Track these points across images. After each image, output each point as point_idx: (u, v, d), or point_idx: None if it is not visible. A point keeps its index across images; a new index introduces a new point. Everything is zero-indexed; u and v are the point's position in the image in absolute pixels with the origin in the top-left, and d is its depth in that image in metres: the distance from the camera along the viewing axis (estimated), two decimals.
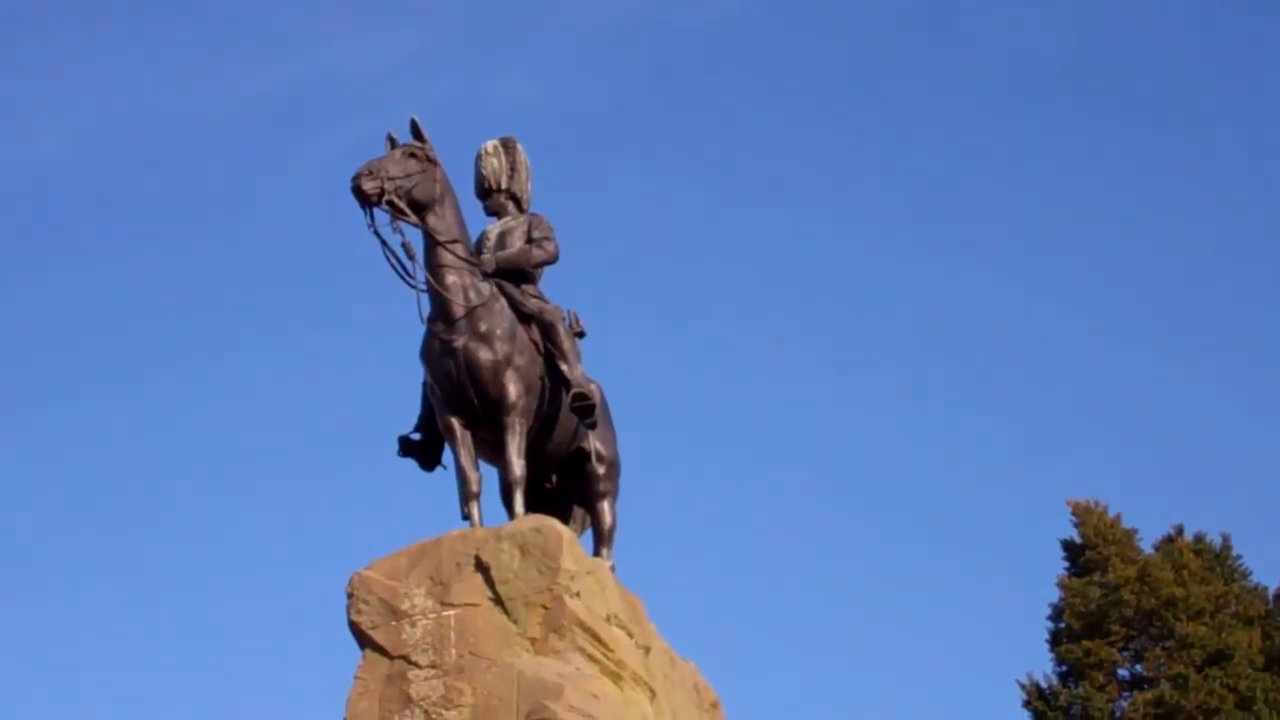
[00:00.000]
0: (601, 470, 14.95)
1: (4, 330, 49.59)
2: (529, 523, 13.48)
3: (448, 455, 14.37)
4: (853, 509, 49.50)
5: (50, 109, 51.97)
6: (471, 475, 13.96)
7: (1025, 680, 29.84)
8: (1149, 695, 28.52)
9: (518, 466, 13.96)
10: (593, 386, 14.64)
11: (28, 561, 46.34)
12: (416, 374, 14.53)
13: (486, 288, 14.25)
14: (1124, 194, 53.03)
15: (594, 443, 14.91)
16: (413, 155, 14.20)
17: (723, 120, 52.63)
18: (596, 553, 14.78)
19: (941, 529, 48.64)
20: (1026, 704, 29.67)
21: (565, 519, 14.62)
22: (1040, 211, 52.71)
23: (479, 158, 15.25)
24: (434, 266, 14.11)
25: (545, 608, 13.02)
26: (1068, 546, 31.12)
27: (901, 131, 52.85)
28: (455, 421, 14.05)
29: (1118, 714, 28.68)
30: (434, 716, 12.76)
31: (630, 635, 13.89)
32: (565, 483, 15.10)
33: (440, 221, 14.20)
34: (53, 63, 51.23)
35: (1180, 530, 31.20)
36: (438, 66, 52.50)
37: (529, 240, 14.93)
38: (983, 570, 48.03)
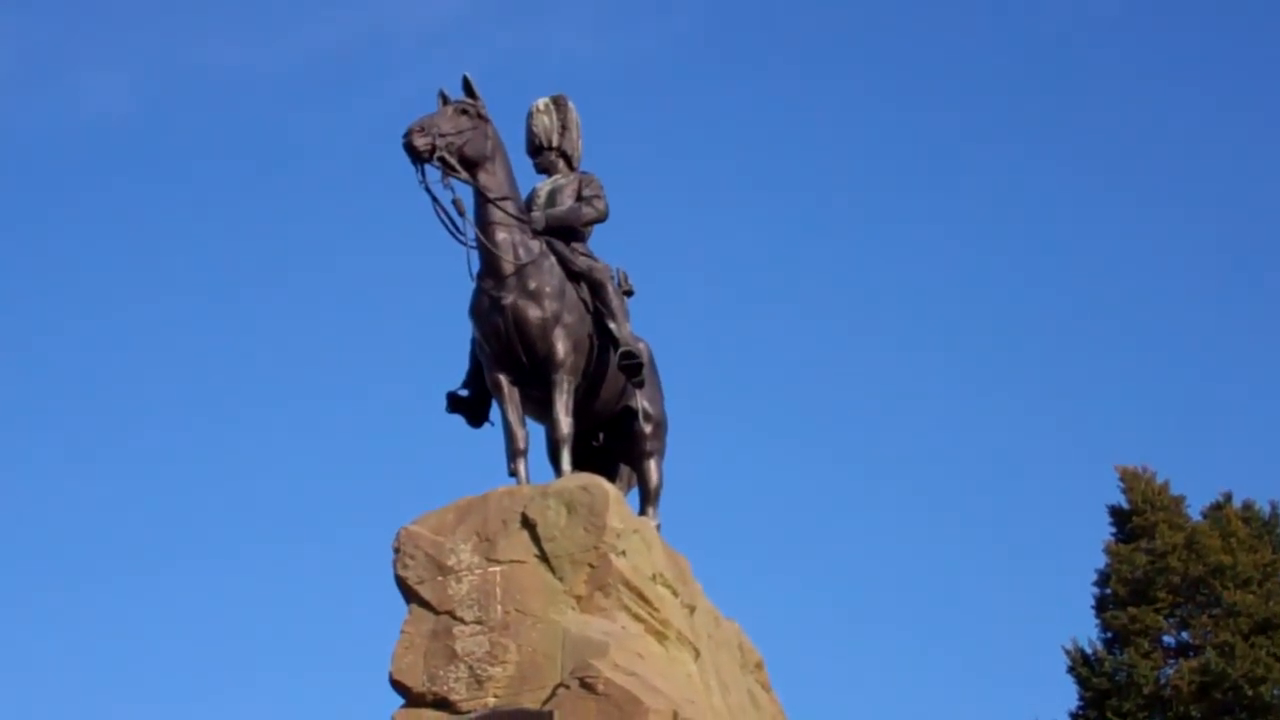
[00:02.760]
0: (648, 429, 14.94)
1: (65, 278, 49.78)
2: (576, 480, 13.50)
3: (495, 412, 14.38)
4: (899, 473, 49.45)
5: (109, 61, 52.18)
6: (519, 432, 13.98)
7: (1070, 646, 29.63)
8: (1195, 663, 28.34)
9: (565, 424, 13.98)
10: (641, 345, 14.68)
11: (72, 510, 46.56)
12: (465, 330, 14.56)
13: (536, 245, 14.25)
14: (1175, 160, 52.63)
15: (641, 401, 14.90)
16: (464, 112, 14.21)
17: (775, 77, 52.31)
18: (643, 511, 14.78)
19: (988, 494, 48.55)
20: (1071, 670, 29.51)
21: (612, 477, 14.61)
22: (1089, 179, 52.36)
23: (530, 115, 15.26)
24: (484, 223, 14.12)
25: (591, 566, 13.02)
26: (1115, 512, 30.87)
27: (958, 99, 52.42)
28: (503, 378, 14.08)
29: (1163, 681, 28.50)
30: (479, 672, 12.78)
31: (675, 594, 13.87)
32: (612, 441, 15.11)
33: (491, 178, 14.22)
34: (112, 14, 51.35)
35: (1229, 497, 30.95)
36: (492, 23, 52.40)
37: (579, 198, 14.92)
38: (1029, 536, 47.95)
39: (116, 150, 52.03)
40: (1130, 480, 30.87)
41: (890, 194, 52.13)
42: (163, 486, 47.52)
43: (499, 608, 12.97)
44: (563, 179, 15.10)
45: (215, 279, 49.80)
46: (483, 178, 14.18)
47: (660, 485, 15.02)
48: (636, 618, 13.13)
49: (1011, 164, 52.65)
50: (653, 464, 14.99)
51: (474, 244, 14.10)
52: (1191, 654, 29.02)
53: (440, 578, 13.22)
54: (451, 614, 13.09)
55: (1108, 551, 30.22)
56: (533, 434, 14.13)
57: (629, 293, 15.05)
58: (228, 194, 50.89)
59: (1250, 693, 27.62)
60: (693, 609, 14.14)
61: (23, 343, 49.19)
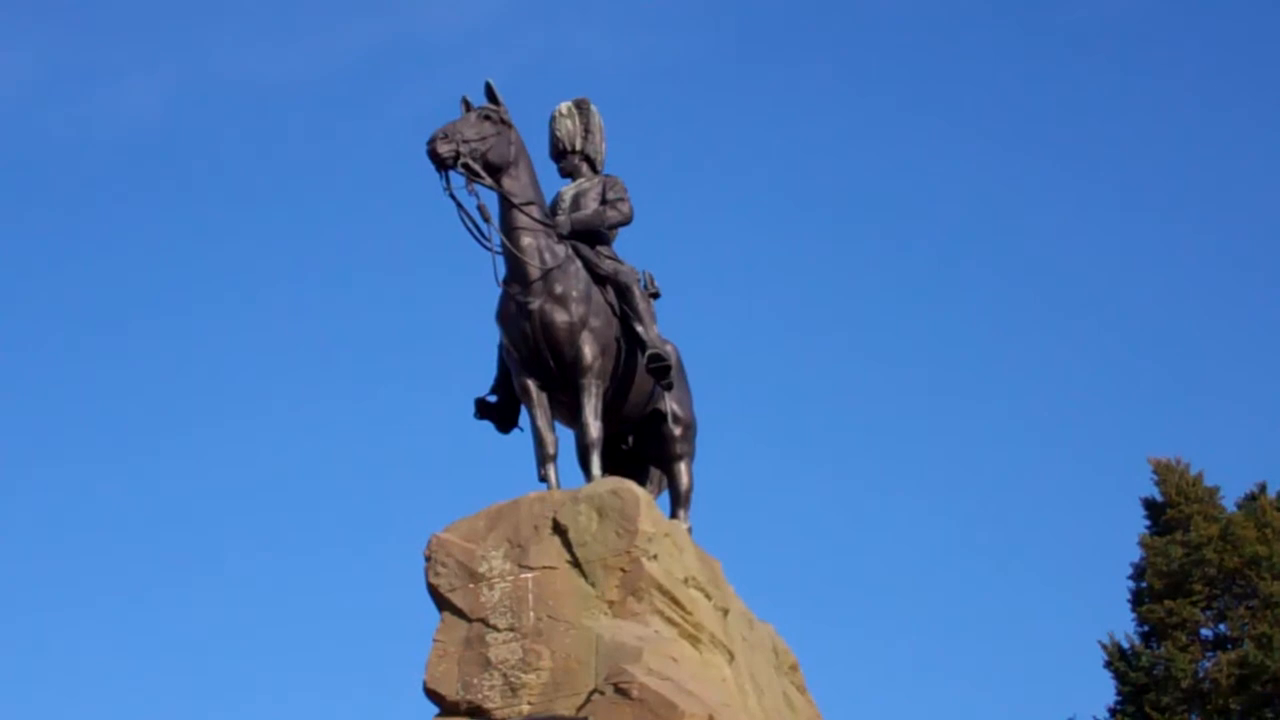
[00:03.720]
0: (678, 431, 14.91)
1: (96, 284, 49.94)
2: (606, 485, 13.46)
3: (524, 417, 14.36)
4: (932, 470, 49.25)
5: (140, 69, 52.32)
6: (548, 437, 13.97)
7: (1107, 641, 29.52)
8: (1232, 655, 28.19)
9: (594, 428, 13.96)
10: (668, 347, 14.65)
11: (99, 518, 46.73)
12: (493, 335, 14.54)
13: (562, 249, 14.25)
14: (1209, 153, 52.37)
15: (670, 404, 14.87)
16: (487, 118, 14.24)
17: (802, 81, 52.15)
18: (673, 514, 14.75)
19: (1021, 490, 48.33)
20: (1108, 664, 29.39)
21: (642, 481, 14.59)
22: (1122, 171, 52.13)
23: (553, 120, 15.23)
24: (509, 229, 14.14)
25: (623, 570, 12.99)
26: (1149, 505, 30.72)
27: (989, 106, 52.18)
28: (531, 383, 14.07)
29: (1200, 674, 28.36)
30: (512, 679, 12.74)
31: (708, 597, 13.81)
32: (642, 444, 15.08)
33: (515, 184, 14.23)
34: (142, 23, 51.53)
35: (1263, 488, 30.73)
36: (518, 29, 52.32)
37: (603, 202, 14.89)
38: (1063, 530, 47.67)
39: (147, 158, 52.22)
40: (1164, 472, 30.70)
41: (919, 195, 52.01)
42: (189, 493, 47.58)
43: (531, 614, 12.96)
44: (586, 183, 15.08)
45: (244, 285, 49.97)
46: (507, 183, 14.20)
47: (691, 488, 14.98)
48: (670, 621, 13.09)
49: (1043, 158, 52.45)
50: (683, 466, 14.96)
51: (499, 249, 14.11)
52: (1229, 646, 28.87)
53: (472, 585, 13.20)
54: (484, 621, 13.06)
55: (1143, 545, 30.05)
56: (562, 439, 14.12)
57: (655, 295, 15.03)
58: (257, 201, 50.95)
59: None
60: (726, 612, 14.08)
61: (55, 348, 49.27)
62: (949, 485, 48.55)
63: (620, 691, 12.19)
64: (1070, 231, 51.52)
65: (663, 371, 14.39)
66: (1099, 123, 52.40)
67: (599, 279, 14.45)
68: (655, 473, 15.12)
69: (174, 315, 49.49)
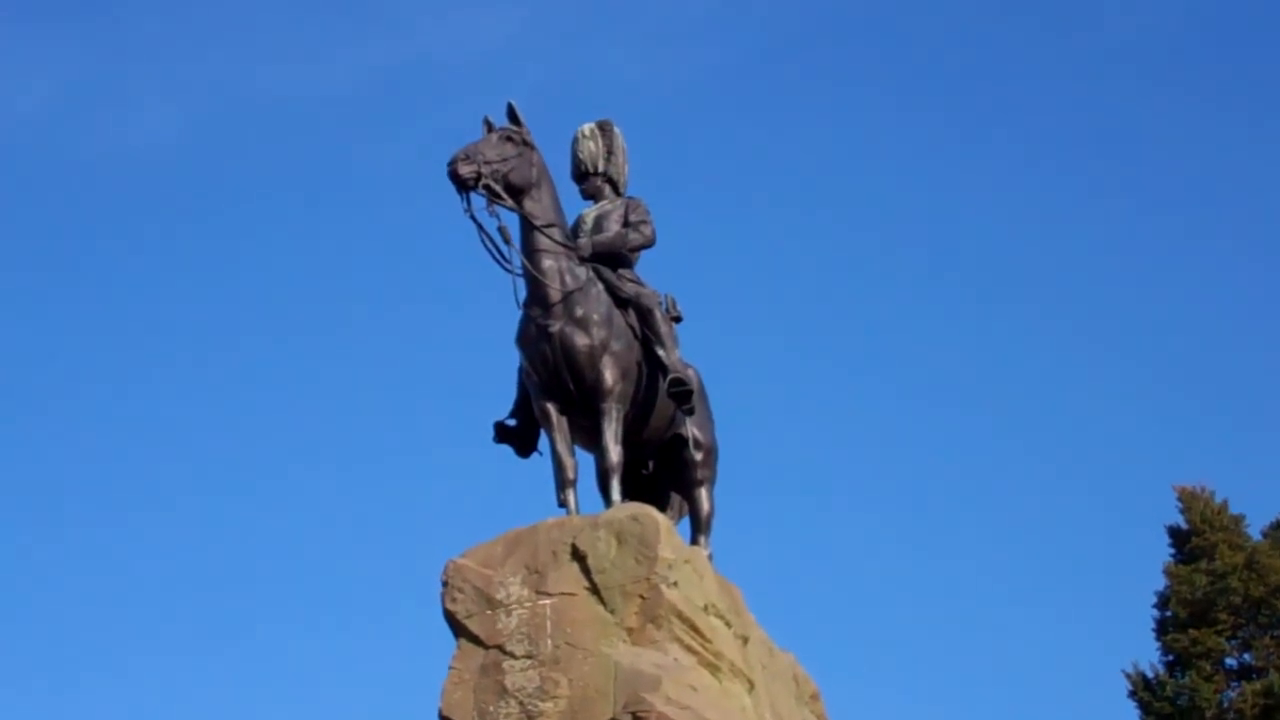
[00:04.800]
0: (699, 457, 14.84)
1: (119, 308, 49.96)
2: (626, 510, 13.40)
3: (544, 442, 14.33)
4: (953, 496, 48.93)
5: (160, 89, 52.37)
6: (568, 462, 13.92)
7: (1131, 670, 29.48)
8: (1258, 685, 28.13)
9: (615, 453, 13.90)
10: (690, 372, 14.56)
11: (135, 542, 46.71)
12: (513, 359, 14.49)
13: (583, 272, 14.21)
14: (1238, 176, 52.13)
15: (691, 429, 14.80)
16: (509, 139, 14.22)
17: (829, 102, 51.90)
18: (694, 541, 14.66)
19: (1045, 515, 47.99)
20: (1132, 694, 29.30)
21: (662, 506, 14.53)
22: (1145, 196, 51.90)
23: (575, 141, 15.20)
24: (530, 251, 14.10)
25: (643, 597, 12.94)
26: (1174, 533, 30.70)
27: (1022, 117, 51.95)
28: (551, 407, 14.02)
29: (1226, 705, 28.29)
30: (530, 708, 12.68)
31: (728, 625, 13.75)
32: (662, 469, 15.01)
33: (536, 205, 14.20)
34: (162, 43, 51.62)
35: None
36: (540, 49, 52.25)
37: (625, 224, 14.86)
38: (1087, 558, 47.29)
39: (167, 179, 52.19)
40: (1189, 500, 30.64)
41: (952, 222, 51.62)
42: (197, 521, 47.45)
43: (549, 641, 12.89)
44: (609, 204, 15.04)
45: (263, 308, 49.87)
46: (528, 205, 14.17)
47: (712, 514, 14.91)
48: (689, 650, 13.01)
49: (1073, 177, 52.11)
50: (704, 492, 14.89)
51: (520, 272, 14.09)
52: (1254, 676, 28.78)
53: (489, 611, 13.16)
54: (501, 648, 12.99)
55: (1167, 573, 30.01)
56: (582, 463, 14.07)
57: (677, 319, 14.97)
58: (277, 222, 51.00)
59: None
60: (746, 640, 14.00)
61: (76, 371, 49.30)
62: (970, 512, 48.23)
63: None
64: (1093, 255, 51.36)
65: (684, 396, 14.32)
66: (1133, 142, 52.10)
67: (620, 302, 14.41)
68: (676, 498, 15.04)
69: (189, 338, 49.47)
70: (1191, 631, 28.91)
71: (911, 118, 51.63)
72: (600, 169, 15.09)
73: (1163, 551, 30.77)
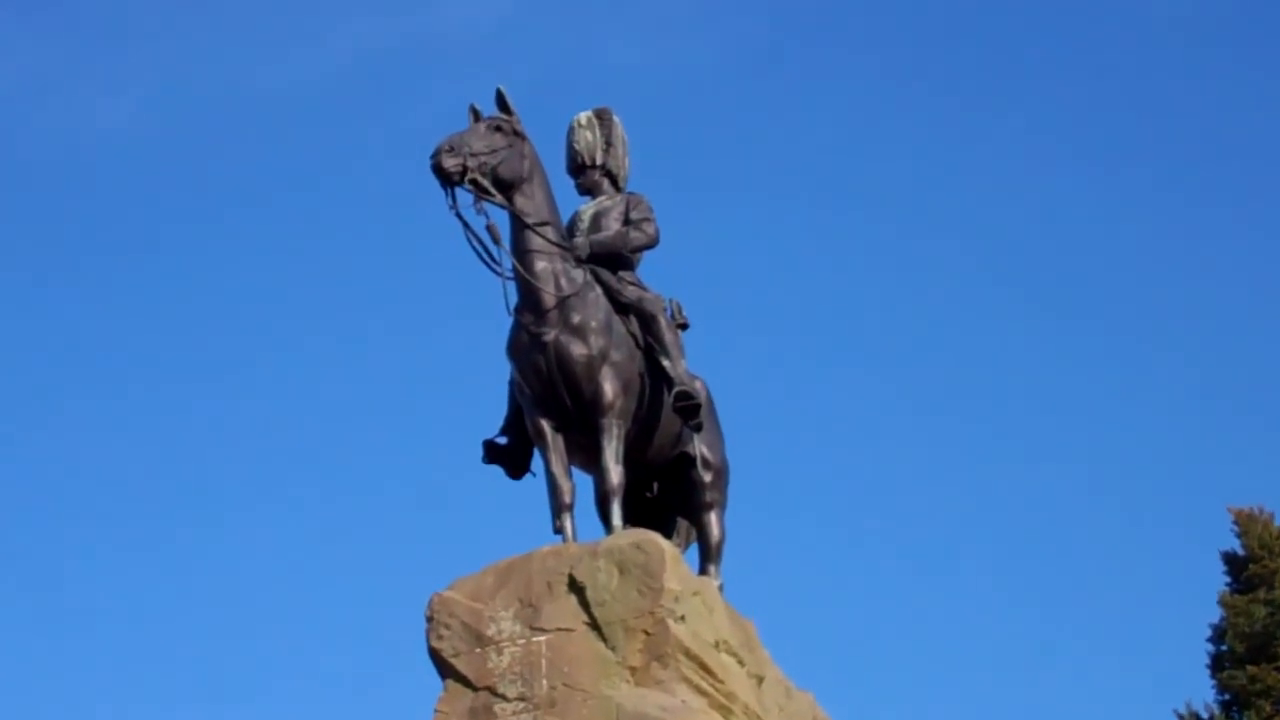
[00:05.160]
0: (708, 478, 14.36)
1: (76, 313, 49.07)
2: (628, 537, 13.05)
3: (537, 462, 13.89)
4: (989, 519, 47.74)
5: (118, 77, 51.37)
6: (564, 484, 13.52)
7: (1184, 710, 29.02)
8: None
9: (615, 474, 13.50)
10: (697, 384, 14.16)
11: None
12: (503, 371, 14.08)
13: (580, 275, 13.81)
14: None
15: (699, 447, 14.32)
16: (498, 129, 13.84)
17: (840, 90, 50.66)
18: (703, 570, 14.23)
19: (1090, 541, 46.67)
20: None
21: (668, 533, 14.14)
22: (1207, 185, 50.73)
23: (571, 131, 14.72)
24: (521, 252, 13.70)
25: (647, 633, 12.64)
26: (1229, 559, 30.12)
27: (1040, 116, 51.06)
28: (546, 424, 13.61)
29: None
30: None
31: (741, 663, 13.42)
32: (668, 492, 14.58)
33: (528, 202, 13.80)
34: (120, 27, 50.69)
35: None
36: (533, 32, 51.08)
37: (626, 222, 14.41)
38: (1136, 587, 45.98)
39: (126, 172, 50.95)
40: (1245, 523, 30.03)
41: (988, 219, 50.31)
42: (166, 551, 46.51)
43: (545, 682, 12.62)
44: (608, 201, 14.59)
45: (230, 307, 48.59)
46: (519, 201, 13.76)
47: (722, 540, 14.44)
48: (698, 690, 12.67)
49: (1115, 178, 51.11)
50: (713, 517, 14.41)
51: (511, 275, 13.72)
52: None
53: (479, 649, 12.85)
54: (492, 690, 12.72)
55: (1223, 603, 29.50)
56: (580, 485, 13.68)
57: (683, 326, 14.57)
58: (244, 218, 49.79)
59: None
60: (761, 679, 13.65)
61: (15, 379, 48.21)
62: (1008, 539, 46.96)
63: None
64: (1141, 273, 50.18)
65: (691, 411, 13.85)
66: (1185, 133, 50.85)
67: (621, 308, 13.98)
68: (683, 524, 14.60)
69: (152, 339, 48.47)
70: (1249, 668, 28.37)
71: (946, 102, 50.20)
72: (598, 161, 14.62)
73: (1217, 579, 30.31)
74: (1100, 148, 49.38)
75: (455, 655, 12.78)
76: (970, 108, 49.60)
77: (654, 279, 14.48)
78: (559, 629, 12.62)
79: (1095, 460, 47.09)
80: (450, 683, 12.78)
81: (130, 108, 49.59)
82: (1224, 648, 29.10)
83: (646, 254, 14.52)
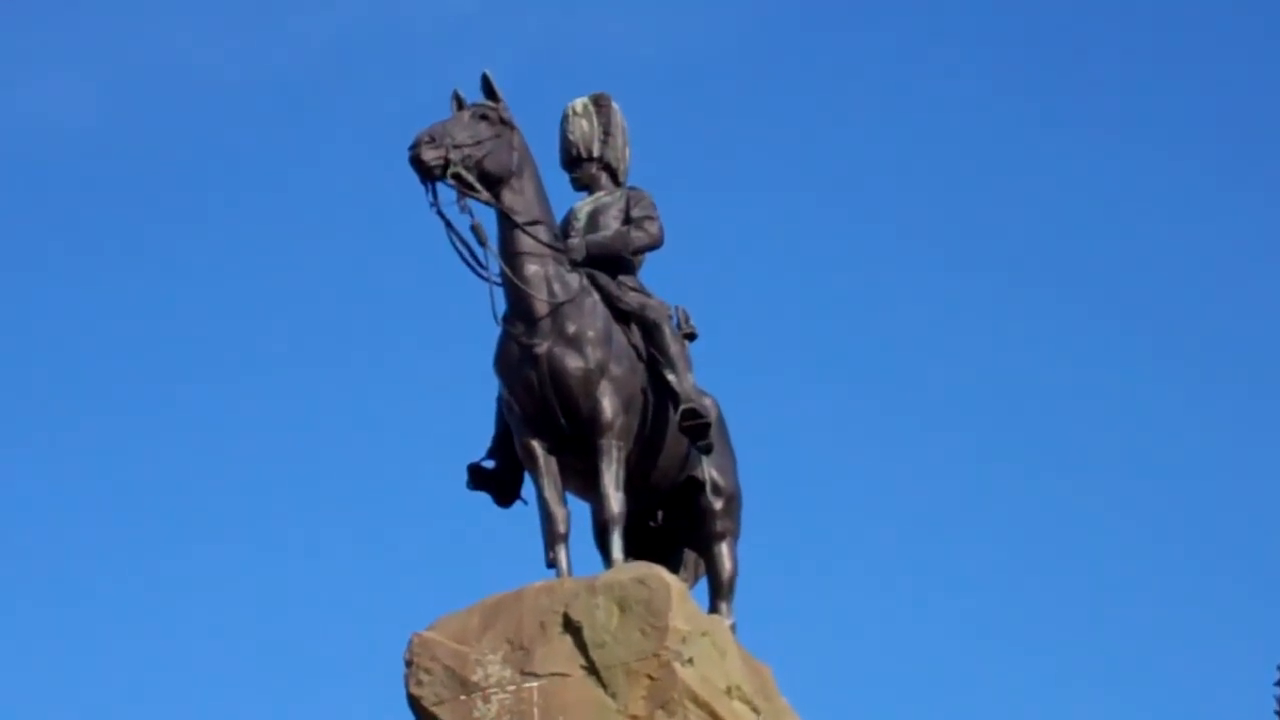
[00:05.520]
0: (718, 505, 13.86)
1: (42, 315, 48.76)
2: (630, 572, 12.53)
3: (528, 488, 13.49)
4: (1029, 551, 46.36)
5: (70, 63, 51.02)
6: (558, 512, 13.00)
7: None
8: None
9: (615, 501, 12.98)
10: (706, 402, 13.66)
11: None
12: (490, 387, 13.67)
13: (575, 280, 13.33)
14: None
15: (709, 471, 13.85)
16: (484, 118, 13.33)
17: (855, 76, 49.76)
18: (713, 608, 13.69)
19: (1145, 570, 45.65)
20: None
21: (674, 567, 13.61)
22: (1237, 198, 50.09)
23: (565, 119, 14.23)
24: (510, 254, 13.21)
25: (651, 678, 12.05)
26: None
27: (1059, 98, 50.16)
28: (537, 445, 13.11)
29: None
30: None
31: (756, 711, 12.79)
32: (674, 521, 14.08)
33: (518, 198, 13.31)
34: (73, 8, 50.33)
35: None
36: (522, 10, 50.64)
37: (627, 220, 13.93)
38: (1195, 622, 44.95)
39: (80, 166, 50.52)
40: None
41: (1030, 221, 49.14)
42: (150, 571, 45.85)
43: None
44: (606, 197, 14.13)
45: (196, 312, 47.85)
46: (508, 197, 13.26)
47: (735, 575, 13.93)
48: None
49: (1203, 177, 50.18)
50: (724, 548, 13.90)
51: (498, 279, 13.26)
52: None
53: (464, 696, 12.36)
54: None
55: None
56: (576, 513, 13.25)
57: (690, 336, 14.07)
58: (207, 215, 49.19)
59: None
60: None
61: None
62: (1051, 574, 45.41)
63: None
64: (1186, 275, 49.23)
65: (700, 431, 13.34)
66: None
67: (621, 316, 13.51)
68: (690, 556, 14.12)
69: (115, 348, 47.68)
70: None
71: (965, 83, 49.35)
72: (595, 153, 14.14)
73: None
74: (1140, 145, 48.73)
75: (437, 703, 12.29)
76: (1029, 89, 48.37)
77: (658, 284, 14.12)
78: (553, 674, 12.13)
79: (1155, 486, 46.29)
80: None
81: (76, 97, 49.68)
82: None
83: (649, 256, 14.10)
